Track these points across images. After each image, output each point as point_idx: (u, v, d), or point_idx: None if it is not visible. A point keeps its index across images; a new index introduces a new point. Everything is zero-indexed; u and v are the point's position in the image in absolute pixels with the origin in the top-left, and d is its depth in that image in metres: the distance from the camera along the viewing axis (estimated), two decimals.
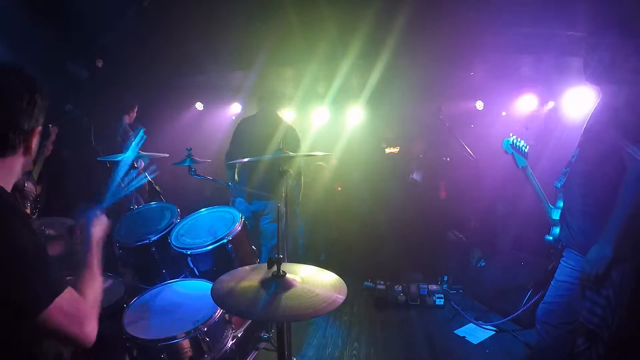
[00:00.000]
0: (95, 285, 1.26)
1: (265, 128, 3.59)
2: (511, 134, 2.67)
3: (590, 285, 1.90)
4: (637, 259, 1.85)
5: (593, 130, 2.01)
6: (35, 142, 1.21)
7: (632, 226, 1.78)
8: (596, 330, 1.90)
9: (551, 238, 2.45)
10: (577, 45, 2.24)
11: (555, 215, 2.39)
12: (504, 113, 4.69)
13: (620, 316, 1.86)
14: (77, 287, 1.21)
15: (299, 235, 4.86)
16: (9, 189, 1.17)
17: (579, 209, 2.05)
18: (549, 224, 2.52)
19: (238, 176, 3.62)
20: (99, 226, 1.47)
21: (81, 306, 1.14)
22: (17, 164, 1.19)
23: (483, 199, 4.33)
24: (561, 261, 2.16)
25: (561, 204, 2.31)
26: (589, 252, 1.90)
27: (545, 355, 2.25)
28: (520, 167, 2.63)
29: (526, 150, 2.63)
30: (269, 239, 3.66)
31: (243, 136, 3.71)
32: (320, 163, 5.23)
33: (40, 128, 1.20)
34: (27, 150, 1.19)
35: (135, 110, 4.46)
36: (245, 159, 2.63)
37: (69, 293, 1.11)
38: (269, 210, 3.64)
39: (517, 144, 2.64)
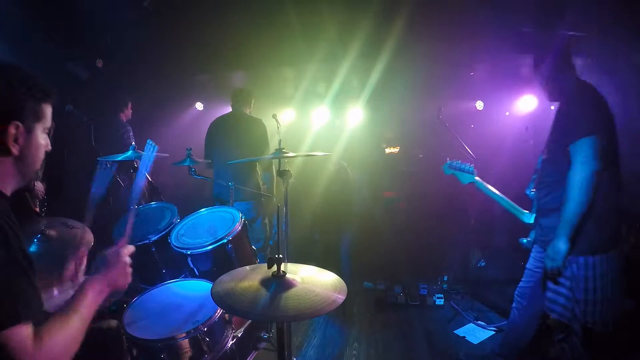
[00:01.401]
0: (68, 334, 1.07)
1: (232, 127, 3.65)
2: (448, 159, 2.86)
3: (554, 278, 2.08)
4: (605, 251, 1.98)
5: (551, 134, 2.18)
6: (18, 139, 1.09)
7: (585, 218, 1.92)
8: (566, 322, 2.06)
9: (525, 241, 2.53)
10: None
11: (529, 219, 2.50)
12: (507, 113, 4.69)
13: (591, 310, 1.99)
14: (46, 327, 1.05)
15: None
16: (7, 191, 1.13)
17: (545, 208, 2.19)
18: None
19: (216, 177, 3.64)
20: (115, 270, 1.33)
21: (33, 354, 0.99)
22: (3, 166, 1.10)
23: (483, 197, 4.33)
24: (531, 253, 2.40)
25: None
26: (547, 249, 2.05)
27: (515, 332, 2.50)
28: (465, 183, 2.78)
29: (471, 167, 2.77)
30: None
31: (215, 137, 3.75)
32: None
33: (18, 124, 1.08)
34: (2, 148, 1.08)
35: (130, 107, 4.36)
36: (243, 160, 2.63)
37: (20, 332, 0.97)
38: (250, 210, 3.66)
39: (458, 165, 2.80)
